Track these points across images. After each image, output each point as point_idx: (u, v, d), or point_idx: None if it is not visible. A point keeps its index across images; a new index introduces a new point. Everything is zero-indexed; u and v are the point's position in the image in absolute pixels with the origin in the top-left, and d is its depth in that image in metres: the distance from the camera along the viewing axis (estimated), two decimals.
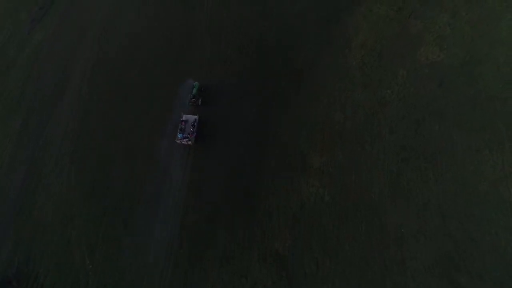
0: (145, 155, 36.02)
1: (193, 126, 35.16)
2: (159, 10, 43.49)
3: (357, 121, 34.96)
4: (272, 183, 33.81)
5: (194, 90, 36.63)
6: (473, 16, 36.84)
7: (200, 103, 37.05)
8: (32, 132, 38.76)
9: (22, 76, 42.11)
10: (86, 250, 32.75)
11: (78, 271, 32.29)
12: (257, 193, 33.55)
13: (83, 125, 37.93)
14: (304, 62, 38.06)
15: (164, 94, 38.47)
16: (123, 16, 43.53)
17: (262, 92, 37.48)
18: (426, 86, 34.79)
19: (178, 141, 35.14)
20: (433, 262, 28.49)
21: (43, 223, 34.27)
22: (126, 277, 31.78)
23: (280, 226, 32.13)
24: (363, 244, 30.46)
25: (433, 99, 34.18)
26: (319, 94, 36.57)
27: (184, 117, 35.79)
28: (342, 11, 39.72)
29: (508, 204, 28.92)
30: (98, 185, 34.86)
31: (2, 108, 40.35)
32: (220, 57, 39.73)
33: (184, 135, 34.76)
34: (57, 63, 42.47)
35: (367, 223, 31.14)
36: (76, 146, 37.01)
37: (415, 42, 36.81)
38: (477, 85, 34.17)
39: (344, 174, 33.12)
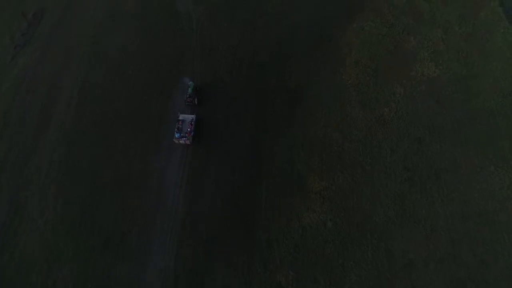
0: (136, 183, 34.06)
1: (191, 125, 34.79)
2: (147, 33, 42.32)
3: (356, 141, 33.76)
4: (270, 210, 32.09)
5: (190, 90, 36.62)
6: (467, 30, 36.61)
7: (196, 102, 36.77)
8: (15, 163, 36.55)
9: (4, 105, 40.16)
10: None
11: None
12: (255, 221, 31.73)
13: (69, 154, 35.88)
14: (298, 82, 37.02)
15: (154, 120, 36.84)
16: (110, 40, 42.19)
17: (256, 114, 36.16)
18: (425, 103, 33.99)
19: (176, 141, 34.64)
20: None
21: (27, 262, 31.75)
22: None
23: (281, 257, 30.26)
24: (370, 273, 28.72)
25: (433, 116, 33.32)
26: (315, 114, 35.41)
27: (181, 116, 35.41)
28: (333, 29, 39.12)
29: None
30: (86, 219, 32.61)
31: None
32: (211, 79, 38.49)
33: (181, 135, 34.33)
34: (41, 90, 40.68)
35: (373, 250, 29.51)
36: (62, 177, 34.86)
37: (410, 59, 36.24)
38: (476, 100, 33.55)
39: (345, 198, 31.64)
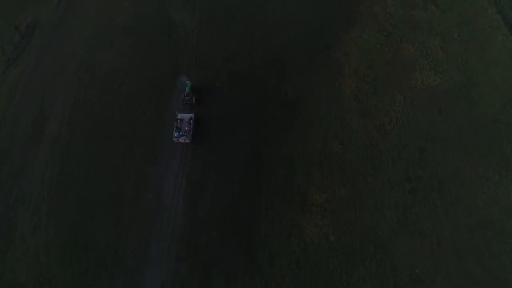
0: (130, 200, 32.95)
1: (189, 123, 34.66)
2: (142, 45, 41.56)
3: (356, 152, 33.03)
4: (271, 224, 31.10)
5: (187, 89, 36.37)
6: (465, 38, 36.33)
7: (194, 101, 36.44)
8: (6, 181, 35.31)
9: None
10: None
11: None
12: (255, 236, 30.71)
13: (62, 172, 34.73)
14: (296, 93, 36.36)
15: (150, 133, 35.88)
16: (104, 52, 41.38)
17: (253, 126, 35.36)
18: (426, 112, 33.45)
19: (175, 140, 34.43)
20: None
21: (17, 286, 30.36)
22: None
23: (283, 273, 29.19)
24: None
25: (434, 125, 32.74)
26: (314, 125, 34.70)
27: (179, 115, 35.22)
28: (331, 39, 38.67)
29: None
30: (79, 239, 31.37)
31: None
32: (207, 91, 37.72)
33: (180, 133, 34.25)
34: (33, 105, 39.67)
35: (377, 264, 28.55)
36: (54, 196, 33.67)
37: (409, 67, 35.81)
38: (478, 108, 33.08)
39: (348, 210, 30.77)
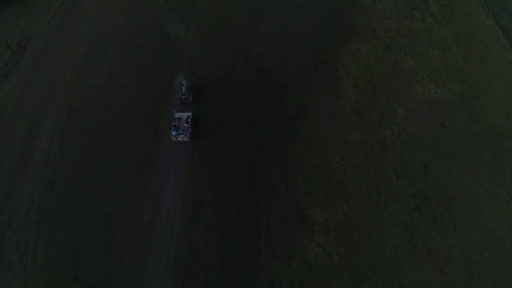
0: (123, 222, 31.38)
1: (187, 122, 34.76)
2: (136, 60, 40.70)
3: (358, 167, 31.95)
4: (271, 245, 29.65)
5: (183, 88, 36.69)
6: (464, 49, 35.89)
7: (191, 100, 36.52)
8: None
9: None
10: None
11: None
12: (255, 257, 29.20)
13: (51, 193, 33.21)
14: (295, 107, 35.46)
15: (144, 151, 34.60)
16: (96, 69, 40.43)
17: (251, 142, 34.24)
18: (428, 125, 32.60)
19: (174, 139, 34.34)
20: None
21: None
22: None
23: None
24: None
25: (437, 139, 31.85)
26: (314, 140, 33.67)
27: (177, 114, 35.33)
28: (329, 52, 38.08)
29: None
30: (68, 266, 29.62)
31: None
32: (204, 106, 36.72)
33: (178, 132, 34.28)
34: (23, 123, 38.41)
35: (384, 286, 27.10)
36: (44, 218, 32.06)
37: (409, 79, 35.16)
38: (481, 120, 32.29)
39: (351, 229, 29.45)
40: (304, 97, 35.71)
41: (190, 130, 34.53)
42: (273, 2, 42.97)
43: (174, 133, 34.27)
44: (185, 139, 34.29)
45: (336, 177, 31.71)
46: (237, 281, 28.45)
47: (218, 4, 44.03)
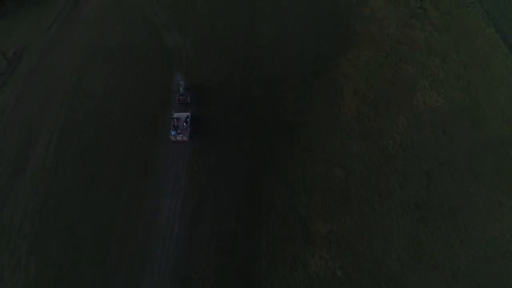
0: (120, 235, 30.42)
1: (186, 122, 34.93)
2: (134, 70, 40.21)
3: (360, 177, 31.32)
4: (272, 258, 28.74)
5: (181, 89, 36.87)
6: (464, 58, 35.70)
7: (189, 100, 36.64)
8: None
9: None
10: None
11: None
12: (255, 272, 28.25)
13: (46, 204, 32.28)
14: (296, 117, 34.92)
15: (141, 162, 33.83)
16: (93, 79, 39.87)
17: (251, 153, 33.55)
18: (430, 134, 32.14)
19: (173, 138, 34.40)
20: None
21: None
22: None
23: None
24: None
25: (440, 148, 31.35)
26: (315, 149, 33.06)
27: (176, 114, 35.52)
28: (329, 61, 37.79)
29: None
30: (62, 280, 28.57)
31: None
32: (202, 117, 36.15)
33: (178, 131, 34.42)
34: (18, 132, 37.60)
35: None
36: (37, 230, 31.05)
37: (410, 88, 34.85)
38: (483, 129, 31.89)
39: (355, 242, 28.64)
40: (304, 106, 35.24)
41: (189, 129, 34.59)
42: (272, 10, 42.86)
43: (173, 132, 34.37)
44: (185, 138, 34.34)
45: (338, 188, 31.03)
46: None
47: (217, 14, 43.86)
